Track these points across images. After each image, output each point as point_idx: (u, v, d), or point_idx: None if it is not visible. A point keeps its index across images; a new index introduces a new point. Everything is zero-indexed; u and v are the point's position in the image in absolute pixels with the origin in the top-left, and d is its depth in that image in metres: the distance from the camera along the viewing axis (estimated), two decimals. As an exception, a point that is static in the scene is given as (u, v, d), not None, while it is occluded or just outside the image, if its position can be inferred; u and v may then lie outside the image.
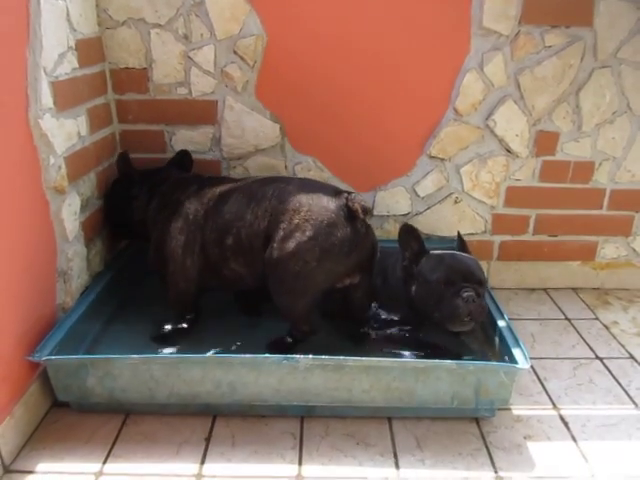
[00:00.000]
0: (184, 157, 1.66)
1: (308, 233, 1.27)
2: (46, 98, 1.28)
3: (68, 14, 1.39)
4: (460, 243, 1.55)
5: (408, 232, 1.44)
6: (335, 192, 1.34)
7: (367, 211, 1.29)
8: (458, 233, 1.59)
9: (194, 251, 1.41)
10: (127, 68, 1.64)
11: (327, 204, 1.30)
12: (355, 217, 1.29)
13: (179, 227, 1.42)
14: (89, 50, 1.51)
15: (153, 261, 1.49)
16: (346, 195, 1.31)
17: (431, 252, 1.44)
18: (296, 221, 1.29)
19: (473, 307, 1.33)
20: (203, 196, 1.43)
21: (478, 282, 1.37)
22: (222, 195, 1.42)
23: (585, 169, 1.77)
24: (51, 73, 1.31)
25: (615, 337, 1.65)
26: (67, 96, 1.38)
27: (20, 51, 1.20)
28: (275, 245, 1.30)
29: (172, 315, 1.49)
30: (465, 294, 1.33)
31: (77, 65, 1.44)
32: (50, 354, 1.22)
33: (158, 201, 1.51)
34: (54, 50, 1.32)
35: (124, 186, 1.59)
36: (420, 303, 1.41)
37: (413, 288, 1.43)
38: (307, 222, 1.28)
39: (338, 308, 1.48)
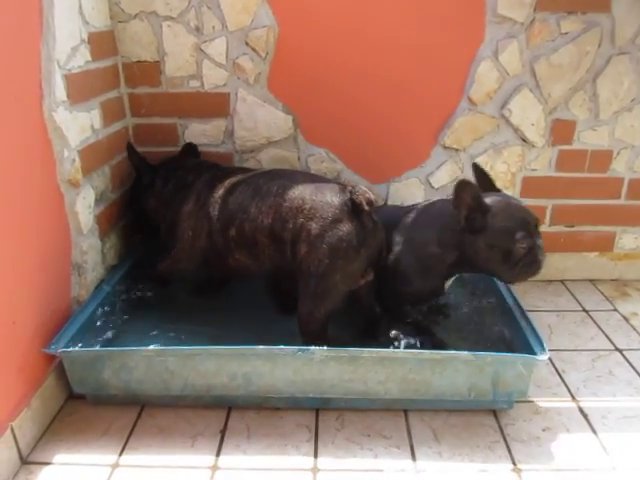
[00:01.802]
0: (190, 149, 1.67)
1: (314, 232, 1.26)
2: (60, 91, 1.28)
3: (81, 7, 1.39)
4: (480, 175, 1.42)
5: (463, 188, 1.28)
6: (339, 187, 1.31)
7: (371, 203, 1.25)
8: (474, 165, 1.45)
9: (201, 236, 1.43)
10: (139, 61, 1.64)
11: (330, 200, 1.27)
12: (361, 211, 1.25)
13: (189, 210, 1.45)
14: (102, 43, 1.51)
15: (164, 236, 1.54)
16: (350, 189, 1.28)
17: (491, 205, 1.30)
18: (301, 220, 1.28)
19: (544, 256, 1.31)
20: (214, 184, 1.44)
21: (539, 227, 1.33)
22: (230, 185, 1.42)
23: (603, 158, 1.74)
24: (64, 66, 1.31)
25: (635, 328, 1.62)
26: (80, 89, 1.38)
27: (34, 44, 1.21)
28: (289, 248, 1.30)
29: (147, 276, 1.60)
30: (539, 247, 1.29)
31: (90, 58, 1.44)
32: (66, 346, 1.23)
33: (174, 183, 1.53)
34: (67, 43, 1.32)
35: (139, 176, 1.62)
36: (492, 265, 1.32)
37: (480, 249, 1.31)
38: (311, 220, 1.27)
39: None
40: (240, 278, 1.61)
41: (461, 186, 1.27)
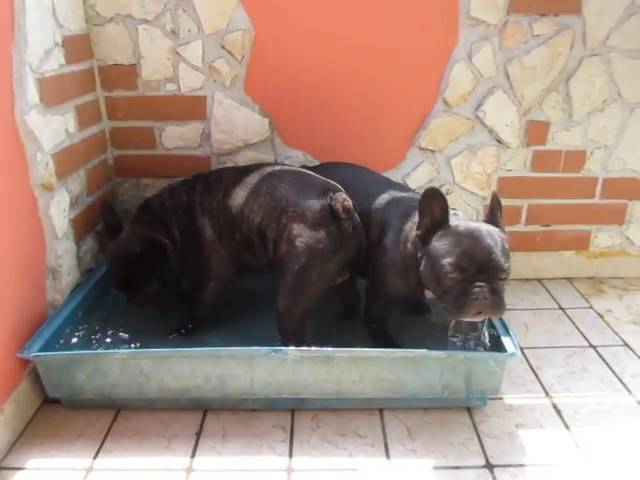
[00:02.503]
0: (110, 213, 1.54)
1: (295, 232, 1.30)
2: (32, 94, 1.28)
3: (54, 11, 1.39)
4: (493, 208, 1.24)
5: (432, 197, 1.18)
6: (323, 190, 1.33)
7: (348, 210, 1.29)
8: (494, 194, 1.25)
9: (221, 242, 1.44)
10: (116, 65, 1.64)
11: (311, 204, 1.31)
12: (339, 216, 1.30)
13: (204, 222, 1.43)
14: (76, 47, 1.51)
15: (192, 270, 1.48)
16: (330, 194, 1.31)
17: (453, 224, 1.18)
18: (284, 221, 1.32)
19: (484, 303, 1.12)
20: (212, 191, 1.44)
21: (496, 273, 1.13)
22: (227, 189, 1.43)
23: (577, 158, 1.76)
24: (37, 69, 1.30)
25: (609, 325, 1.64)
26: (54, 93, 1.38)
27: (5, 47, 1.20)
28: (271, 246, 1.34)
29: (201, 308, 1.51)
30: (475, 289, 1.12)
31: (64, 62, 1.44)
32: (40, 351, 1.22)
33: (179, 222, 1.46)
34: (40, 46, 1.32)
35: (150, 251, 1.42)
36: (427, 283, 1.23)
37: (422, 264, 1.22)
38: (293, 222, 1.31)
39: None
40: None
41: (432, 195, 1.18)
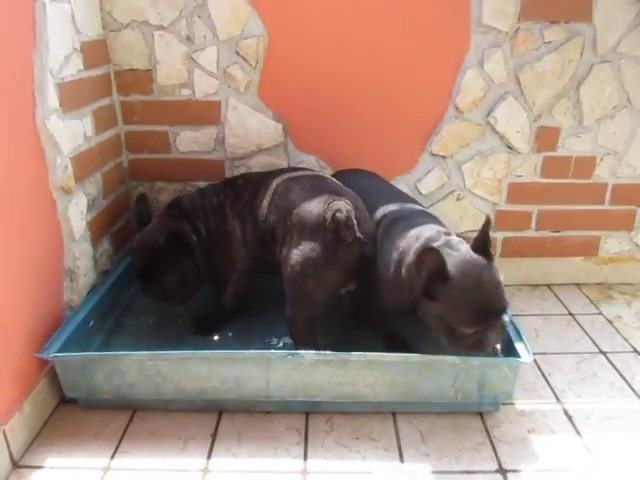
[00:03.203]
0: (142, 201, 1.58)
1: (294, 238, 1.30)
2: (52, 100, 1.30)
3: (73, 17, 1.41)
4: (484, 238, 1.21)
5: (430, 255, 1.15)
6: (329, 197, 1.30)
7: (338, 221, 1.23)
8: (487, 222, 1.22)
9: (246, 243, 1.47)
10: (131, 70, 1.66)
11: (312, 209, 1.30)
12: (334, 225, 1.25)
13: (235, 225, 1.46)
14: (94, 52, 1.53)
15: (215, 270, 1.51)
16: (330, 201, 1.28)
17: (453, 275, 1.15)
18: (288, 224, 1.33)
19: (496, 339, 1.18)
20: (241, 194, 1.47)
21: (504, 312, 1.17)
22: (253, 191, 1.46)
23: (586, 164, 1.78)
24: (57, 75, 1.33)
25: (619, 331, 1.65)
26: (73, 97, 1.40)
27: (27, 54, 1.23)
28: (278, 248, 1.37)
29: (222, 309, 1.54)
30: (491, 335, 1.17)
31: (82, 67, 1.46)
32: (58, 351, 1.24)
33: (207, 220, 1.48)
34: (60, 52, 1.34)
35: (173, 243, 1.43)
36: (436, 332, 1.22)
37: (429, 310, 1.21)
38: (294, 226, 1.31)
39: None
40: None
41: (426, 253, 1.15)
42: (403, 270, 1.25)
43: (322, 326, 1.38)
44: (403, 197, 1.52)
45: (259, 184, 1.46)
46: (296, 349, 1.29)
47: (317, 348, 1.28)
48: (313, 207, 1.30)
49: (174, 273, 1.44)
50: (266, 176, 1.48)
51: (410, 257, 1.23)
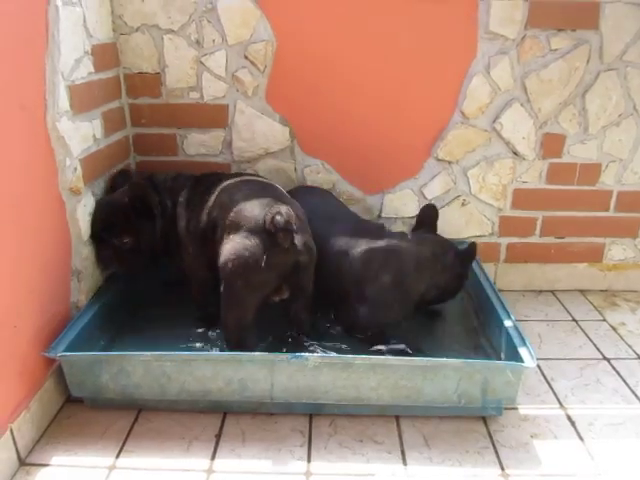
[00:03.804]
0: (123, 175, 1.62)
1: (231, 235, 1.31)
2: (63, 102, 1.32)
3: (85, 20, 1.43)
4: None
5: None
6: (270, 202, 1.33)
7: (278, 225, 1.24)
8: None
9: (189, 234, 1.48)
10: (141, 73, 1.68)
11: (253, 209, 1.32)
12: (274, 229, 1.25)
13: (181, 213, 1.48)
14: (104, 55, 1.55)
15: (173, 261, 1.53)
16: (272, 204, 1.31)
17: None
18: (227, 222, 1.34)
19: None
20: (197, 187, 1.50)
21: None
22: (208, 188, 1.47)
23: (592, 171, 1.78)
24: (68, 77, 1.34)
25: (622, 338, 1.65)
26: (83, 100, 1.42)
27: (39, 56, 1.24)
28: (217, 246, 1.35)
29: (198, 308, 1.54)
30: None
31: (93, 70, 1.47)
32: (65, 350, 1.25)
33: (173, 200, 1.49)
34: (71, 55, 1.36)
35: (137, 207, 1.46)
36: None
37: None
38: (233, 224, 1.32)
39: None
40: None
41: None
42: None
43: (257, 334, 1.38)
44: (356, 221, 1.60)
45: (216, 181, 1.48)
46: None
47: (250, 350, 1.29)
48: (255, 208, 1.32)
49: (131, 236, 1.46)
50: (226, 176, 1.51)
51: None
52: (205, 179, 1.52)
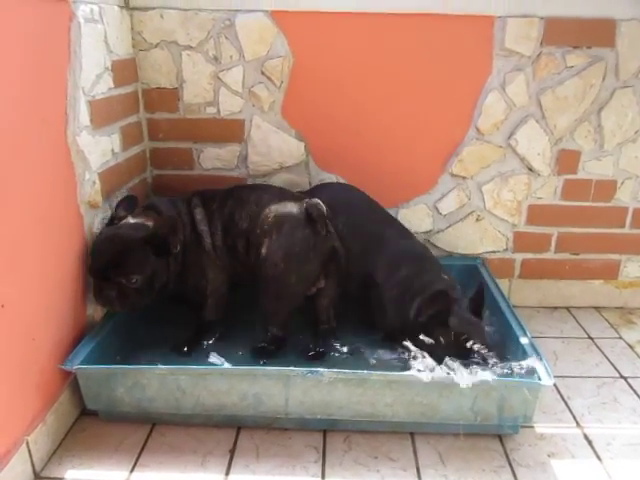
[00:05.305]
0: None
1: (274, 237, 1.43)
2: (84, 116, 1.34)
3: (106, 37, 1.45)
4: (479, 302, 1.42)
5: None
6: (299, 199, 1.49)
7: (321, 214, 1.42)
8: (480, 289, 1.44)
9: (216, 250, 1.52)
10: (159, 88, 1.70)
11: (290, 209, 1.46)
12: (313, 220, 1.42)
13: (203, 230, 1.51)
14: (124, 71, 1.57)
15: (190, 285, 1.53)
16: (306, 200, 1.46)
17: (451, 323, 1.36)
18: (265, 226, 1.44)
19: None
20: (209, 203, 1.53)
21: None
22: (221, 201, 1.53)
23: (607, 188, 1.78)
24: (89, 92, 1.37)
25: (639, 356, 1.64)
26: (103, 114, 1.44)
27: (61, 71, 1.27)
28: (254, 251, 1.46)
29: (204, 326, 1.54)
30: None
31: (112, 85, 1.50)
32: (81, 363, 1.26)
33: (184, 229, 1.46)
34: (92, 71, 1.38)
35: (153, 242, 1.35)
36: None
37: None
38: (272, 227, 1.43)
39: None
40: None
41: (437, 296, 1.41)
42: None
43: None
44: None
45: (226, 195, 1.53)
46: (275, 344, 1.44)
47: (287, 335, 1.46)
48: (290, 207, 1.46)
49: (142, 275, 1.32)
50: (233, 188, 1.57)
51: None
52: (206, 194, 1.55)
